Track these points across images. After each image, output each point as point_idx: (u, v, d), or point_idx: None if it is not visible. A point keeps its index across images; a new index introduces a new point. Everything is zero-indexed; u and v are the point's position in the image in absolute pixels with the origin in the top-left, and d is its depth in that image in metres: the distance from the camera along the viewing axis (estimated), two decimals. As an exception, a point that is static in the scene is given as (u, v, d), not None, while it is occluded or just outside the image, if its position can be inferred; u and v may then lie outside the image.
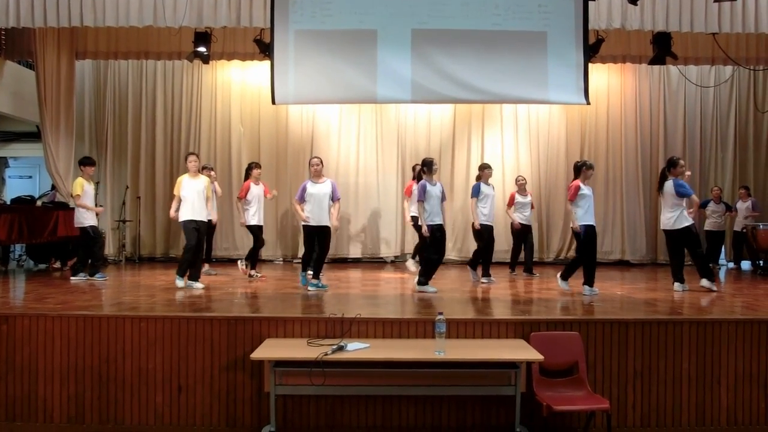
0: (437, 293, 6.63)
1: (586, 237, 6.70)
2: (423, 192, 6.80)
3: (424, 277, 6.90)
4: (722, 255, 10.71)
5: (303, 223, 7.09)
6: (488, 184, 8.05)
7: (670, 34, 8.56)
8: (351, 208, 10.94)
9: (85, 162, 8.03)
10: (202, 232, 7.22)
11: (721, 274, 9.52)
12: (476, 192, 7.90)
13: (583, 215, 6.71)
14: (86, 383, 4.94)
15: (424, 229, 6.82)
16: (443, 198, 7.02)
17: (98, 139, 11.19)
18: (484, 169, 8.10)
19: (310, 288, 6.92)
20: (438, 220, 6.87)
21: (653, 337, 4.99)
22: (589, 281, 6.67)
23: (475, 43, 6.62)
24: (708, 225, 10.32)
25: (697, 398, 4.96)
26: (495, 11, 6.60)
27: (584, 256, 6.78)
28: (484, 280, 7.85)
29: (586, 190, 6.76)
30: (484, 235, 7.94)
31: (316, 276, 7.04)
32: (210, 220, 7.82)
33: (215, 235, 9.80)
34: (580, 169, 6.87)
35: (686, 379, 4.96)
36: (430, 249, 6.92)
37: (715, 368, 4.97)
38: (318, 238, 7.04)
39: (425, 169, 6.91)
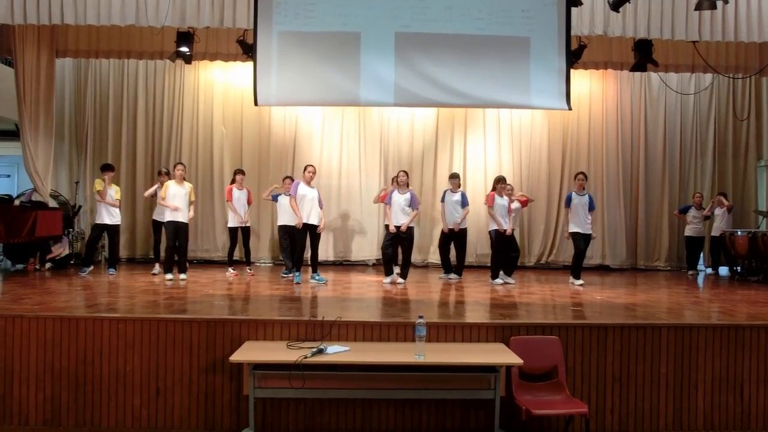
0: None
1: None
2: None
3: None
4: (701, 260, 10.84)
5: (301, 220, 7.91)
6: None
7: (652, 42, 8.65)
8: (333, 211, 10.92)
9: (102, 168, 8.99)
10: (181, 231, 8.15)
11: (699, 280, 9.64)
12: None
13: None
14: (62, 385, 4.88)
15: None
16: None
17: (78, 139, 11.07)
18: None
19: (311, 281, 7.92)
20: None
21: (632, 342, 5.04)
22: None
23: (458, 47, 6.64)
24: (688, 231, 10.45)
25: (674, 402, 5.02)
26: (478, 16, 6.62)
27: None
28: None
29: (500, 200, 8.51)
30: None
31: (314, 270, 8.16)
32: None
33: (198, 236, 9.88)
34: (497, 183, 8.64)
35: (664, 384, 5.02)
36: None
37: (692, 373, 5.03)
38: (310, 234, 8.04)
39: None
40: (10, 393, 4.88)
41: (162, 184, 8.55)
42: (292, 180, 8.61)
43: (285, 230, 8.88)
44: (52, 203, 9.88)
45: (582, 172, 8.89)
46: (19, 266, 9.39)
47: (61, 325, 4.94)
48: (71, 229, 10.02)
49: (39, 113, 9.42)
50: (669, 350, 5.05)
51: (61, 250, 9.54)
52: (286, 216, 8.72)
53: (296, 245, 8.24)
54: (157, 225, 9.01)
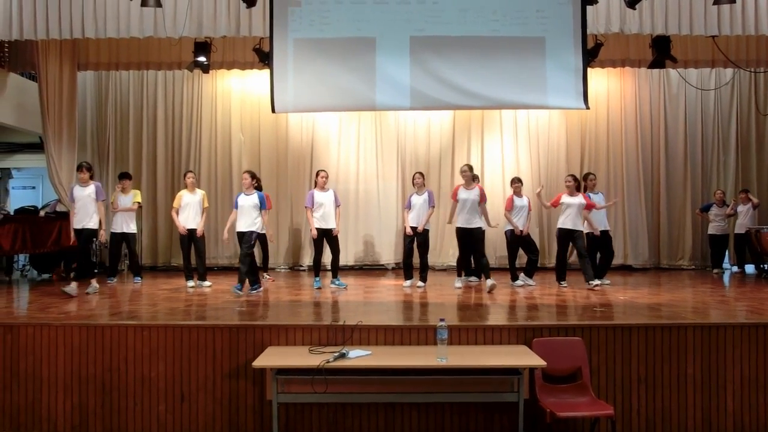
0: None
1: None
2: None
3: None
4: (726, 259, 10.66)
5: (314, 228, 7.98)
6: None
7: (670, 38, 8.56)
8: (351, 215, 10.94)
9: (119, 177, 9.19)
10: (192, 238, 8.33)
11: (725, 278, 9.49)
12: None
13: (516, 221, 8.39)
14: (89, 392, 4.96)
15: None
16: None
17: (100, 150, 11.24)
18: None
19: (332, 286, 7.96)
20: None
21: (657, 342, 4.97)
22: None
23: (473, 49, 6.63)
24: (711, 229, 10.28)
25: (702, 403, 4.94)
26: (493, 17, 6.61)
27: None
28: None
29: (517, 201, 8.47)
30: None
31: (335, 275, 8.16)
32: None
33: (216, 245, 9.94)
34: (512, 183, 8.61)
35: (691, 384, 4.94)
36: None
37: (721, 373, 4.95)
38: (327, 240, 8.07)
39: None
40: (39, 400, 4.97)
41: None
42: (254, 177, 7.56)
43: (242, 237, 7.56)
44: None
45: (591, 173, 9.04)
46: (45, 276, 9.55)
47: (87, 332, 5.02)
48: (96, 239, 10.15)
49: (62, 125, 9.61)
50: (696, 350, 4.97)
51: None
52: (243, 221, 7.49)
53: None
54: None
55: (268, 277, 9.15)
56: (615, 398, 4.90)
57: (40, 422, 4.96)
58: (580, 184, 8.38)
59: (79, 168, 7.47)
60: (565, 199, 8.09)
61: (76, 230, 7.41)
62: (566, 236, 8.11)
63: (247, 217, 7.46)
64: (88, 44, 9.61)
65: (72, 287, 7.10)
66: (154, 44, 9.35)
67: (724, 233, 10.30)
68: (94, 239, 7.48)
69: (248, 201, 7.49)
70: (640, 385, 4.94)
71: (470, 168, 7.94)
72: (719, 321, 5.15)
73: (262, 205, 7.53)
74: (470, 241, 7.79)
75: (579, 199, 8.07)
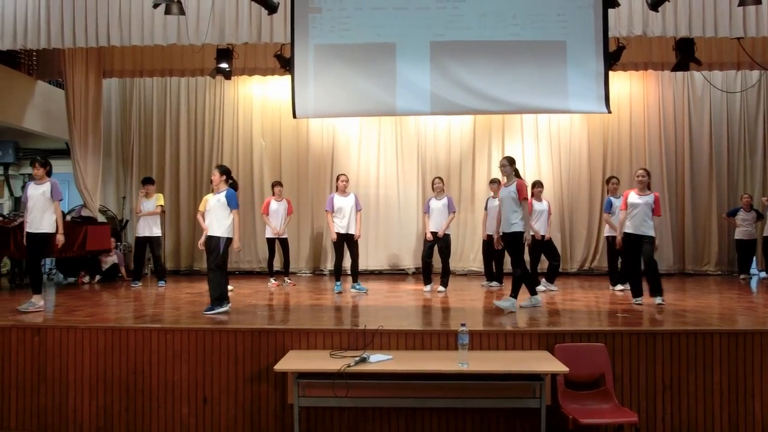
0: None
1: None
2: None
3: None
4: (753, 264, 10.47)
5: (334, 232, 8.00)
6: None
7: (693, 40, 8.44)
8: (371, 220, 10.95)
9: (142, 182, 9.25)
10: None
11: (752, 284, 9.31)
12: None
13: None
14: (114, 394, 5.04)
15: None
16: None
17: (124, 155, 11.42)
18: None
19: (352, 290, 7.95)
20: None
21: (682, 349, 4.91)
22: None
23: (493, 53, 6.61)
24: (738, 233, 10.11)
25: (729, 411, 4.86)
26: (513, 22, 6.58)
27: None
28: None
29: (537, 205, 8.15)
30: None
31: (355, 280, 8.16)
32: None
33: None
34: (533, 187, 8.27)
35: (718, 392, 4.87)
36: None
37: (749, 381, 4.87)
38: (348, 244, 8.10)
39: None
40: (65, 402, 5.06)
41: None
42: (224, 173, 6.35)
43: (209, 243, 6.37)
44: (101, 218, 10.22)
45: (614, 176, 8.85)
46: (71, 279, 9.71)
47: (112, 335, 5.11)
48: (121, 243, 10.33)
49: (88, 132, 9.79)
50: (722, 357, 4.89)
51: (119, 265, 9.84)
52: (210, 224, 6.26)
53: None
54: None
55: (289, 281, 9.21)
56: (639, 405, 4.84)
57: (67, 424, 5.06)
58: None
59: (32, 163, 6.50)
60: (633, 198, 6.85)
61: (28, 234, 6.36)
62: (634, 243, 6.83)
63: (214, 219, 6.14)
64: (113, 52, 9.79)
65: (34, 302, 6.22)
66: (177, 51, 9.49)
67: (751, 238, 10.11)
68: (55, 244, 6.49)
69: (216, 200, 6.21)
70: (665, 393, 4.87)
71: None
72: (747, 328, 5.07)
73: (231, 205, 6.14)
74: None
75: (649, 198, 6.82)
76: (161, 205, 9.09)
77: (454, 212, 8.20)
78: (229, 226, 6.13)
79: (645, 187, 6.84)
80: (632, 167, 10.96)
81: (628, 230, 6.85)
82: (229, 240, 6.17)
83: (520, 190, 6.55)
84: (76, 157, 9.64)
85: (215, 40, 7.76)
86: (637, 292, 6.78)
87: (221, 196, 6.16)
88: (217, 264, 6.09)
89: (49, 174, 6.51)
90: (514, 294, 6.33)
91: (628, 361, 4.90)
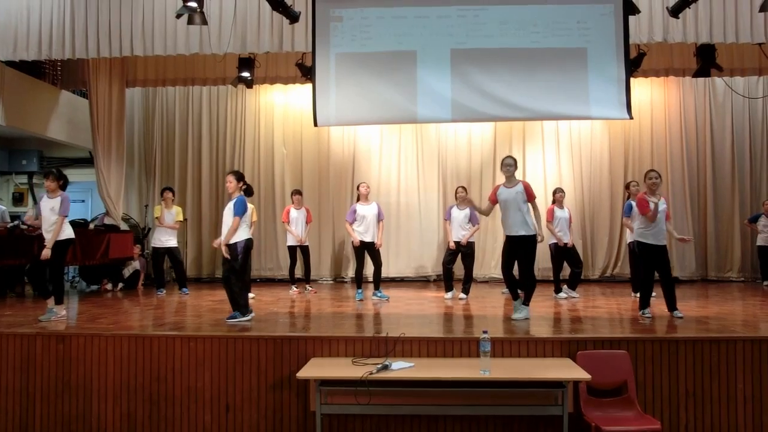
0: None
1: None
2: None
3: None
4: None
5: (356, 239, 7.96)
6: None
7: (714, 46, 8.38)
8: (392, 227, 10.96)
9: (162, 190, 9.28)
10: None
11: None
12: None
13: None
14: (138, 401, 5.09)
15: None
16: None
17: (147, 164, 11.57)
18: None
19: (374, 298, 7.95)
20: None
21: (705, 356, 4.86)
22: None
23: (514, 61, 6.63)
24: (760, 240, 9.98)
25: (753, 419, 4.79)
26: (534, 29, 6.60)
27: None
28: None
29: (558, 212, 8.25)
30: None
31: (377, 287, 8.12)
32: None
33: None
34: (554, 193, 8.45)
35: (741, 399, 4.80)
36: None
37: (773, 388, 4.80)
38: (369, 252, 8.05)
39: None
40: (89, 409, 5.12)
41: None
42: (240, 179, 6.20)
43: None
44: (124, 226, 10.37)
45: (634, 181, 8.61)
46: (94, 287, 9.84)
47: (135, 343, 5.17)
48: (145, 250, 10.46)
49: (111, 141, 9.96)
50: (746, 364, 4.83)
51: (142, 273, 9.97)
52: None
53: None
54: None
55: (310, 288, 9.26)
56: (662, 413, 4.80)
57: (90, 431, 5.11)
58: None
59: (46, 175, 6.50)
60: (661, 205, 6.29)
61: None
62: (658, 254, 6.25)
63: (225, 226, 6.07)
64: (136, 62, 9.96)
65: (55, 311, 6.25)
66: (199, 61, 9.63)
67: (774, 245, 9.96)
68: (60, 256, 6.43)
69: (227, 209, 6.10)
70: (688, 400, 4.82)
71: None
72: (771, 335, 5.00)
73: (236, 211, 5.98)
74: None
75: (662, 203, 6.38)
76: (179, 221, 9.15)
77: (478, 224, 8.20)
78: (243, 230, 6.06)
79: (658, 190, 6.39)
80: (654, 174, 10.85)
81: (649, 241, 6.22)
82: (248, 241, 6.14)
83: (528, 190, 6.23)
84: (99, 166, 9.80)
85: (237, 49, 7.86)
86: (646, 303, 6.34)
87: (231, 204, 6.08)
88: (235, 270, 6.03)
89: (63, 187, 6.51)
90: (526, 302, 6.17)
91: (650, 368, 4.86)
